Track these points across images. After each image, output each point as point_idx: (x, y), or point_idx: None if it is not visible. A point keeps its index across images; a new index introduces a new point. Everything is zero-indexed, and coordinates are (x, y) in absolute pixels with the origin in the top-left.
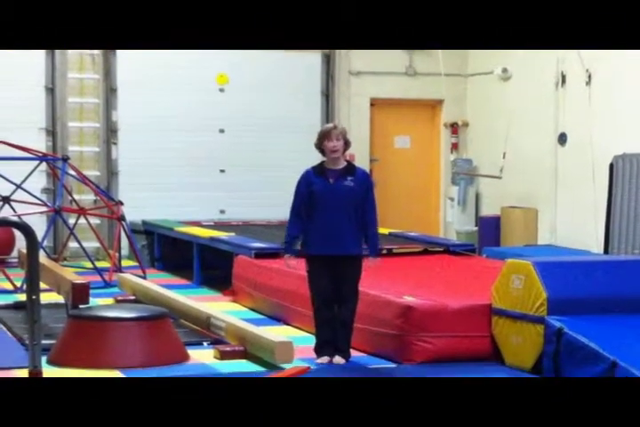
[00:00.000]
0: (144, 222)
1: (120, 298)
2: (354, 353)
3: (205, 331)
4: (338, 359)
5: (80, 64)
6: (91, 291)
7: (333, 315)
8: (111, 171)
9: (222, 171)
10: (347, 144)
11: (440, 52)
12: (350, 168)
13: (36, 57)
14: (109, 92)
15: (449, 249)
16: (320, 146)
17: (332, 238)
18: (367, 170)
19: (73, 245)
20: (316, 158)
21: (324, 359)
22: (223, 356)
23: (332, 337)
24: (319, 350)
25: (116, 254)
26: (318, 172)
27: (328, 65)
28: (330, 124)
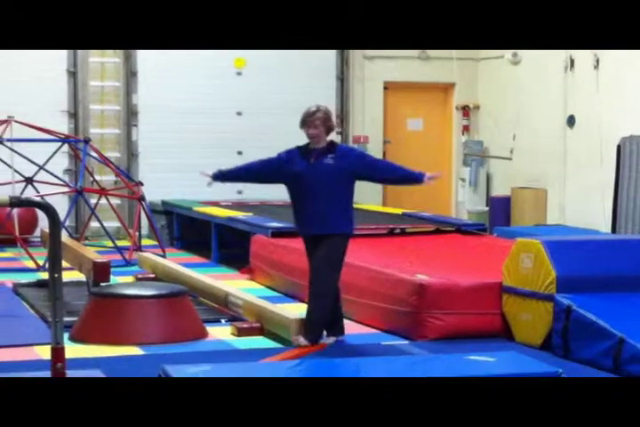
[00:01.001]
0: (163, 202)
1: (140, 276)
2: (368, 330)
3: (223, 308)
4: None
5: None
6: (111, 269)
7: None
8: (131, 152)
9: (239, 152)
10: (329, 129)
11: None
12: (331, 146)
13: None
14: (130, 75)
15: (460, 229)
16: (302, 128)
17: (315, 218)
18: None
19: (94, 224)
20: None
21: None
22: (240, 332)
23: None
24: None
25: (136, 234)
26: (303, 152)
27: (343, 50)
28: (311, 109)
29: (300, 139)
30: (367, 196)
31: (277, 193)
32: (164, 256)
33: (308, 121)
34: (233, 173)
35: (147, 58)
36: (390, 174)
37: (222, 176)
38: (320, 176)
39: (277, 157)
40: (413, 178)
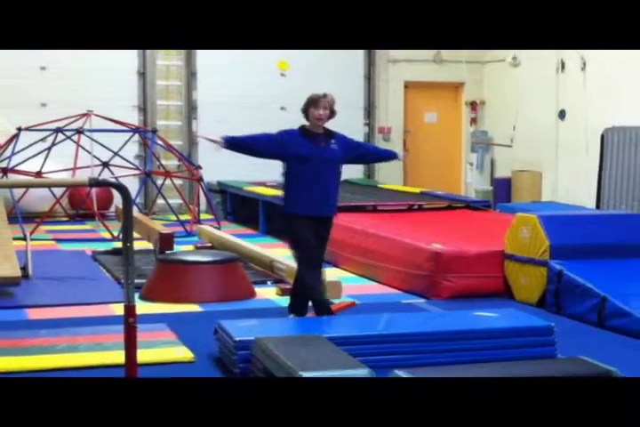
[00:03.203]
0: (219, 183)
1: (199, 245)
2: (391, 290)
3: (269, 272)
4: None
5: (166, 53)
6: (175, 239)
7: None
8: (192, 141)
9: None
10: (332, 113)
11: None
12: (329, 132)
13: None
14: (190, 75)
15: (469, 205)
16: (306, 111)
17: (325, 200)
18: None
19: (160, 201)
20: (358, 131)
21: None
22: (284, 292)
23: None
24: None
25: (196, 209)
26: (305, 135)
27: (370, 54)
28: (320, 93)
29: (335, 129)
30: (390, 177)
31: None
32: (219, 228)
33: (319, 101)
34: (242, 142)
35: (204, 61)
36: (375, 156)
37: (231, 140)
38: (329, 160)
39: (280, 136)
40: (392, 156)
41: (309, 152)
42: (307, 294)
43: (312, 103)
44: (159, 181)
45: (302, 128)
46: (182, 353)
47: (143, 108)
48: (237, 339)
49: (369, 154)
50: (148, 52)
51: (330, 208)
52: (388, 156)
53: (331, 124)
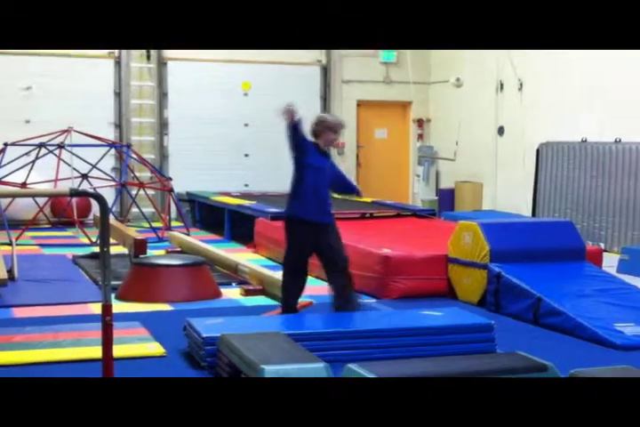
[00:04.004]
0: (188, 193)
1: (170, 250)
2: None
3: (234, 274)
4: None
5: (140, 74)
6: (148, 245)
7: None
8: (163, 155)
9: (246, 155)
10: None
11: (409, 65)
12: (327, 151)
13: (107, 70)
14: (162, 95)
15: (416, 213)
16: (320, 132)
17: (328, 208)
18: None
19: (134, 210)
20: None
21: None
22: (247, 293)
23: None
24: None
25: (167, 217)
26: (317, 149)
27: (325, 75)
28: (339, 120)
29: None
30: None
31: (275, 186)
32: (188, 234)
33: (339, 129)
34: (300, 133)
35: (175, 83)
36: (343, 184)
37: (297, 127)
38: (328, 175)
39: (307, 142)
40: (355, 192)
41: (322, 164)
42: (282, 293)
43: (332, 129)
44: (133, 192)
45: (315, 144)
46: (154, 348)
47: (119, 125)
48: (205, 335)
49: (341, 179)
50: (123, 73)
51: (329, 216)
52: (352, 189)
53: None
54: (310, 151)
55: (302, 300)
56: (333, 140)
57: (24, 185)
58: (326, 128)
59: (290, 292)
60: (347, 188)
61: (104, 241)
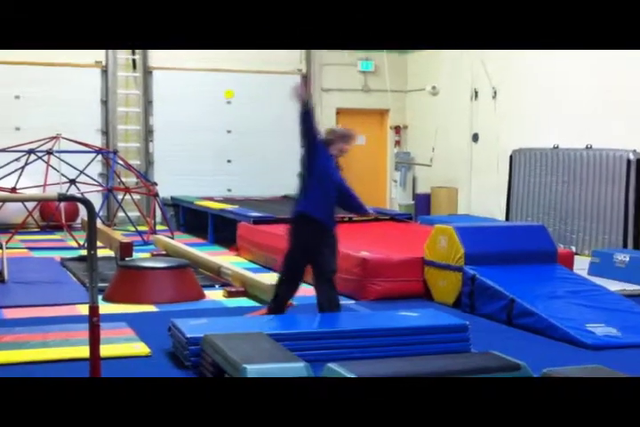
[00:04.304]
0: (172, 198)
1: (155, 253)
2: None
3: (217, 277)
4: None
5: (126, 83)
6: (134, 248)
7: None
8: (149, 160)
9: (229, 161)
10: None
11: (387, 74)
12: (337, 162)
13: (94, 79)
14: (147, 103)
15: (393, 217)
16: (333, 142)
17: (329, 209)
18: None
19: (121, 214)
20: (296, 152)
21: None
22: (229, 295)
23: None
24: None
25: (152, 221)
26: (328, 153)
27: (305, 84)
28: (350, 131)
29: (274, 152)
30: None
31: (256, 191)
32: (172, 238)
33: (351, 139)
34: (312, 117)
35: (160, 91)
36: (350, 199)
37: (310, 110)
38: (338, 186)
39: (320, 140)
40: (362, 211)
41: (335, 171)
42: (276, 293)
43: (345, 139)
44: (120, 196)
45: (327, 149)
46: (140, 348)
47: (105, 132)
48: (189, 336)
49: (350, 197)
50: (110, 82)
51: (333, 221)
52: (359, 209)
53: (271, 146)
54: (321, 150)
55: None
56: (345, 151)
57: (14, 190)
58: (337, 137)
59: (284, 293)
60: (355, 206)
61: (91, 244)
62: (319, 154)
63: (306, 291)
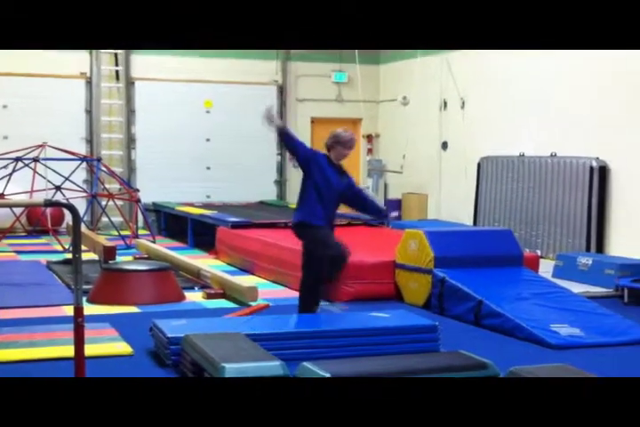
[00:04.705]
0: (154, 203)
1: (137, 256)
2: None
3: (196, 279)
4: None
5: (109, 93)
6: (117, 251)
7: None
8: (131, 168)
9: (208, 168)
10: None
11: (360, 85)
12: (342, 168)
13: (79, 90)
14: (130, 113)
15: (366, 222)
16: (333, 146)
17: (329, 218)
18: None
19: (104, 219)
20: (272, 160)
21: None
22: (209, 296)
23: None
24: None
25: (134, 226)
26: (330, 163)
27: (281, 94)
28: (349, 135)
29: (252, 159)
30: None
31: (234, 197)
32: (154, 242)
33: (351, 144)
34: (291, 137)
35: (142, 101)
36: (365, 203)
37: (286, 131)
38: (341, 191)
39: (311, 152)
40: (380, 213)
41: (332, 178)
42: (306, 298)
43: (344, 143)
44: (103, 202)
45: (328, 157)
46: (122, 348)
47: (90, 140)
48: (170, 335)
49: (363, 200)
50: (94, 92)
51: (332, 226)
52: (376, 211)
53: (248, 154)
54: (312, 163)
55: (260, 302)
56: (344, 155)
57: (1, 196)
58: (337, 143)
59: (315, 296)
60: (371, 208)
61: (76, 248)
62: (310, 167)
63: (282, 293)
